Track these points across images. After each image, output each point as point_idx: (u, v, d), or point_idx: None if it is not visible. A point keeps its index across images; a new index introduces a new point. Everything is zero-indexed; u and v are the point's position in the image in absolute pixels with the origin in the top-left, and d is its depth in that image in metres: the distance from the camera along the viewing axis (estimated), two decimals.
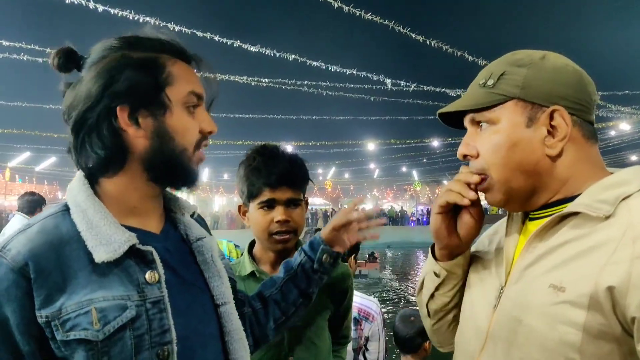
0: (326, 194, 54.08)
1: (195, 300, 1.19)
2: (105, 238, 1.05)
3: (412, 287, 17.22)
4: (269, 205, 1.77)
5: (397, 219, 43.70)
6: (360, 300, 3.04)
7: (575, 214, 1.07)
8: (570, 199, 1.12)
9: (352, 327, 2.83)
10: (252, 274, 1.82)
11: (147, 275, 1.08)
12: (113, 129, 1.08)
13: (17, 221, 5.97)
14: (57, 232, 1.05)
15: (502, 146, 1.14)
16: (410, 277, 19.67)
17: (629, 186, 1.07)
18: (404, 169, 55.06)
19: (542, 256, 1.09)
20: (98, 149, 1.08)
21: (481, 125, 1.19)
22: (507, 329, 1.10)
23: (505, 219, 1.33)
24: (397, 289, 16.64)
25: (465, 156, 1.22)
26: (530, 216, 1.22)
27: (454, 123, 1.29)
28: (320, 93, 16.78)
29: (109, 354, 1.00)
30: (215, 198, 47.32)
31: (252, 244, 1.93)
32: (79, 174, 1.15)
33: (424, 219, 43.22)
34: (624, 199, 1.04)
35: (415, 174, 54.37)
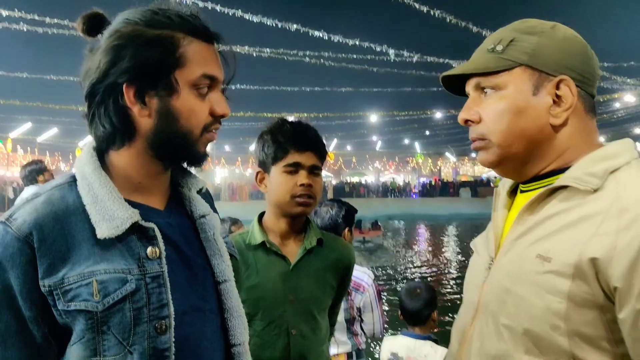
0: (328, 166, 54.10)
1: (196, 276, 1.20)
2: (109, 213, 1.06)
3: (412, 255, 18.30)
4: (294, 168, 1.80)
5: (399, 191, 43.81)
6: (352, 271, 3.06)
7: (565, 187, 1.09)
8: (562, 170, 1.13)
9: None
10: (263, 244, 1.83)
11: (149, 250, 1.10)
12: (119, 106, 1.07)
13: (30, 191, 5.95)
14: (63, 203, 1.07)
15: (507, 112, 1.14)
16: (411, 245, 20.83)
17: (617, 159, 1.09)
18: (406, 141, 54.96)
19: (531, 228, 1.11)
20: (105, 122, 1.09)
21: (485, 91, 1.18)
22: (496, 298, 1.13)
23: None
24: (398, 255, 17.80)
25: (466, 121, 1.21)
26: (522, 188, 1.24)
27: (456, 89, 1.28)
28: (322, 64, 16.66)
29: (107, 324, 1.02)
30: (216, 170, 47.33)
31: (261, 215, 1.94)
32: (89, 145, 1.16)
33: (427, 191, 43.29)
34: (612, 172, 1.06)
35: (417, 146, 54.25)
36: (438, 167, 58.58)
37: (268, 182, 1.85)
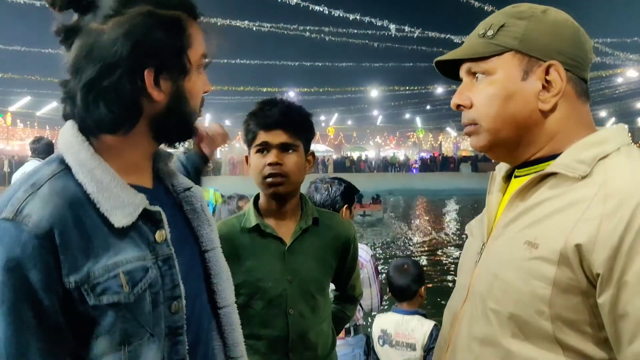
0: (329, 140, 53.98)
1: (185, 249, 1.20)
2: (119, 201, 1.04)
3: (411, 227, 18.84)
4: (264, 148, 1.80)
5: (399, 166, 43.79)
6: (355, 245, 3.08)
7: (555, 173, 1.09)
8: (554, 156, 1.13)
9: None
10: (257, 227, 1.84)
11: (157, 234, 1.09)
12: (136, 91, 1.04)
13: (32, 166, 5.90)
14: (68, 194, 1.01)
15: (496, 97, 1.14)
16: (409, 219, 21.49)
17: (607, 145, 1.09)
18: (407, 115, 54.73)
19: (521, 214, 1.12)
20: (116, 108, 1.03)
21: (477, 76, 1.19)
22: (485, 282, 1.14)
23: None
24: (397, 228, 18.42)
25: (458, 106, 1.22)
26: (516, 174, 1.25)
27: (451, 73, 1.29)
28: (322, 39, 16.52)
29: (133, 312, 1.03)
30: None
31: (257, 197, 1.94)
32: (70, 126, 1.09)
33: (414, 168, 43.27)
34: (601, 158, 1.07)
35: (418, 120, 54.09)
36: (439, 142, 58.50)
37: (250, 162, 1.87)
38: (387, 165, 44.12)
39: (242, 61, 21.68)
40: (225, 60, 20.65)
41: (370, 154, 52.75)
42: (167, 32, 1.04)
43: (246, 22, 14.96)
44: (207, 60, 1.16)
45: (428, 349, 2.94)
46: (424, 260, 13.04)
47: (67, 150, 1.06)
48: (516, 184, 1.22)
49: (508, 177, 1.31)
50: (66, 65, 1.06)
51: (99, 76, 1.01)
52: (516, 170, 1.25)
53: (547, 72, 1.12)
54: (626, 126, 1.20)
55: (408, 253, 13.64)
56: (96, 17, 1.04)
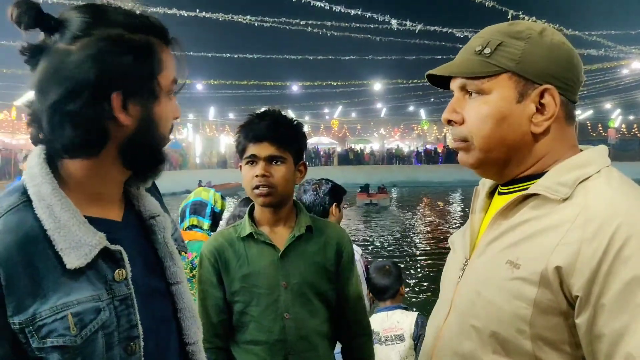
0: (332, 133, 53.87)
1: (152, 280, 1.18)
2: (75, 240, 0.99)
3: (415, 217, 19.55)
4: (252, 160, 1.86)
5: (403, 158, 43.71)
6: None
7: (537, 194, 1.11)
8: (539, 175, 1.15)
9: None
10: (251, 235, 1.89)
11: (116, 273, 1.05)
12: (102, 114, 1.00)
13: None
14: (22, 230, 0.97)
15: (490, 118, 1.15)
16: (414, 209, 22.49)
17: (588, 168, 1.11)
18: (411, 108, 54.51)
19: (503, 233, 1.14)
20: (80, 132, 1.00)
21: (470, 93, 1.19)
22: (467, 300, 1.17)
23: None
24: (401, 217, 19.47)
25: (450, 121, 1.22)
26: (500, 190, 1.26)
27: (440, 84, 1.29)
28: (325, 33, 16.48)
29: (82, 355, 0.98)
30: (221, 138, 47.26)
31: (252, 207, 2.00)
32: (37, 155, 1.06)
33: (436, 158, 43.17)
34: (582, 181, 1.09)
35: (422, 112, 53.85)
36: (443, 134, 58.29)
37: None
38: (392, 157, 44.04)
39: (244, 55, 21.65)
40: (228, 55, 20.66)
41: (374, 146, 52.66)
42: (136, 57, 1.02)
43: (248, 17, 14.93)
44: (178, 85, 1.15)
45: (417, 337, 3.03)
46: (427, 247, 13.23)
47: (30, 181, 1.03)
48: (500, 201, 1.24)
49: (492, 193, 1.32)
50: (30, 86, 1.03)
51: (64, 99, 0.98)
52: (500, 187, 1.26)
53: (541, 96, 1.12)
54: (606, 147, 1.21)
55: (415, 239, 13.95)
56: (63, 37, 1.00)
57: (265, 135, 1.85)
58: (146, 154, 1.12)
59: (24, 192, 1.03)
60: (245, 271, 1.86)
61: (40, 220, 0.99)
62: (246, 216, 1.95)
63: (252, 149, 1.85)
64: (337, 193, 3.12)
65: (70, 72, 0.97)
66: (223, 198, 3.60)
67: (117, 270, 1.06)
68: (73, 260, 0.98)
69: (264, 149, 1.84)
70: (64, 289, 0.97)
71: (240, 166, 1.93)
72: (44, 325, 0.95)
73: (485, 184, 1.34)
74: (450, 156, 42.93)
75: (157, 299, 1.18)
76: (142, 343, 1.07)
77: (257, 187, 1.85)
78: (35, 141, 1.08)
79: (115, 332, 1.03)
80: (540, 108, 1.13)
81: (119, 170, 1.11)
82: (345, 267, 2.02)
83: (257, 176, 1.83)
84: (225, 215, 3.49)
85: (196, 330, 1.26)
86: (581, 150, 1.18)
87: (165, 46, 1.11)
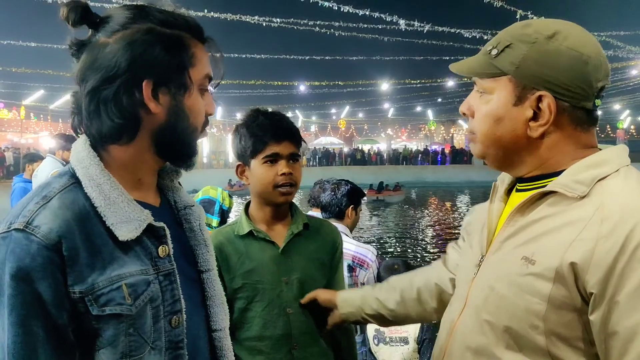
0: (340, 133, 53.89)
1: (186, 266, 1.24)
2: (125, 216, 1.07)
3: (424, 215, 19.82)
4: (273, 159, 1.85)
5: (411, 158, 43.64)
6: (355, 249, 3.09)
7: (555, 192, 1.11)
8: (556, 174, 1.15)
9: (347, 274, 2.93)
10: (250, 233, 1.91)
11: (160, 249, 1.13)
12: (134, 101, 1.08)
13: (50, 163, 5.89)
14: (77, 208, 1.05)
15: (488, 117, 1.18)
16: (423, 207, 23.16)
17: (606, 167, 1.11)
18: (418, 108, 54.46)
19: (520, 229, 1.15)
20: (115, 117, 1.07)
21: (480, 90, 1.22)
22: (482, 295, 1.18)
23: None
24: (413, 215, 20.47)
25: (464, 113, 1.26)
26: (518, 187, 1.27)
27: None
28: (332, 33, 16.52)
29: (134, 326, 1.05)
30: (228, 136, 47.37)
31: (247, 205, 2.01)
32: (83, 141, 1.13)
33: (439, 158, 43.09)
34: (600, 179, 1.09)
35: (430, 113, 53.79)
36: (450, 135, 58.18)
37: (249, 174, 1.91)
38: (399, 158, 43.98)
39: (252, 55, 21.74)
40: (236, 55, 20.74)
41: (381, 146, 52.61)
42: (167, 48, 1.09)
43: (256, 17, 14.99)
44: (209, 81, 1.20)
45: (421, 341, 3.00)
46: (435, 239, 13.38)
47: (78, 164, 1.11)
48: (517, 198, 1.24)
49: (510, 189, 1.33)
50: (74, 77, 1.11)
51: (99, 85, 1.06)
52: (517, 184, 1.27)
53: (539, 101, 1.12)
54: (626, 147, 1.19)
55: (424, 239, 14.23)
56: (105, 32, 1.10)
57: (286, 134, 1.87)
58: (178, 145, 1.17)
59: (73, 174, 1.11)
60: (248, 267, 1.87)
61: (90, 199, 1.07)
62: (242, 214, 1.97)
63: (274, 148, 1.85)
64: (355, 195, 3.10)
65: (105, 61, 1.06)
66: (230, 197, 3.61)
67: (160, 247, 1.13)
68: (125, 233, 1.06)
69: (286, 148, 1.86)
70: (117, 262, 1.05)
71: (239, 167, 1.94)
72: (102, 294, 1.02)
73: (505, 180, 1.34)
74: (458, 156, 42.86)
75: (189, 285, 1.22)
76: (184, 316, 1.14)
77: (282, 186, 1.85)
78: (75, 128, 1.15)
79: (161, 305, 1.11)
80: (538, 113, 1.14)
81: (154, 158, 1.17)
82: (337, 261, 2.06)
83: (283, 174, 1.84)
84: (232, 214, 3.49)
85: (224, 316, 1.32)
86: (600, 150, 1.18)
87: (200, 43, 1.17)
